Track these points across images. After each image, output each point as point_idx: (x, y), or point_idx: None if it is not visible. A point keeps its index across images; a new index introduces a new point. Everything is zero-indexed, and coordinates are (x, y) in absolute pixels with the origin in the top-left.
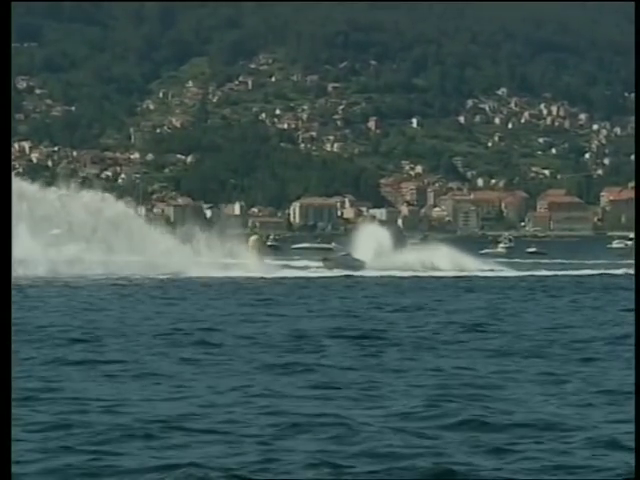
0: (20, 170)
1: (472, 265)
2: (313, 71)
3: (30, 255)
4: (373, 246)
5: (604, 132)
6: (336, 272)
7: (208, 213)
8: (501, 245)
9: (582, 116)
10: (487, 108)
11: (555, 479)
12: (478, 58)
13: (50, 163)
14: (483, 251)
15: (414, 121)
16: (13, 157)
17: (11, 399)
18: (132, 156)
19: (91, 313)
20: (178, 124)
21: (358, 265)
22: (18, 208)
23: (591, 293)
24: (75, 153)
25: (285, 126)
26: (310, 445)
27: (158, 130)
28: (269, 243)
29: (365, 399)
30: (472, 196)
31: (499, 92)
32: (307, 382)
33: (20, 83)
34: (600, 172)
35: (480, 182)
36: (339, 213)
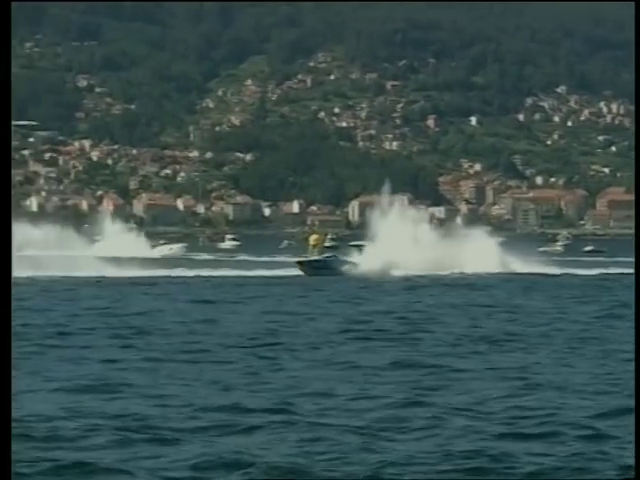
0: (80, 168)
1: (517, 264)
2: (372, 69)
3: None
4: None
5: None
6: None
7: (267, 211)
8: (559, 243)
9: None
10: (546, 106)
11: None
12: (537, 56)
13: (110, 161)
14: (541, 249)
15: (473, 119)
16: (73, 155)
17: (11, 399)
18: (191, 154)
19: None
20: (237, 122)
21: (343, 268)
22: None
23: None
24: (135, 151)
25: (344, 124)
26: None
27: (217, 128)
28: (327, 244)
29: None
30: (531, 194)
31: (558, 90)
32: None
33: (80, 81)
34: None
35: (539, 180)
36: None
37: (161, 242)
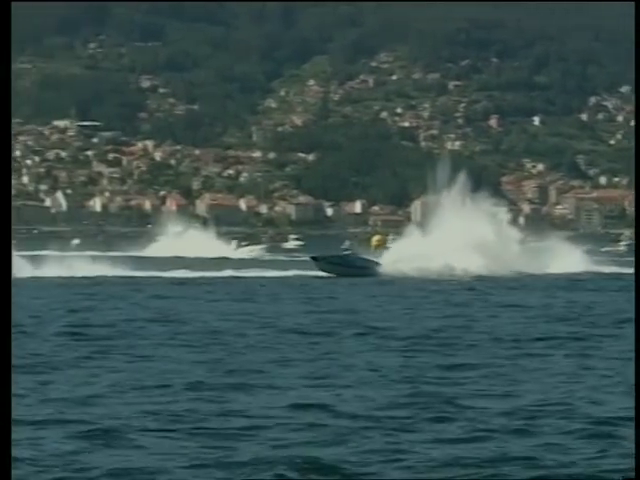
0: (143, 169)
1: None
2: (434, 69)
3: None
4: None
5: None
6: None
7: (329, 211)
8: (622, 243)
9: None
10: (610, 105)
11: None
12: (601, 55)
13: (173, 162)
14: (604, 249)
15: (536, 119)
16: (136, 155)
17: (11, 399)
18: (254, 155)
19: None
20: (299, 122)
21: (367, 268)
22: None
23: None
24: (197, 152)
25: (406, 124)
26: None
27: (280, 128)
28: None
29: None
30: (594, 194)
31: (622, 90)
32: None
33: (144, 82)
34: None
35: (603, 180)
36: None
37: (243, 243)
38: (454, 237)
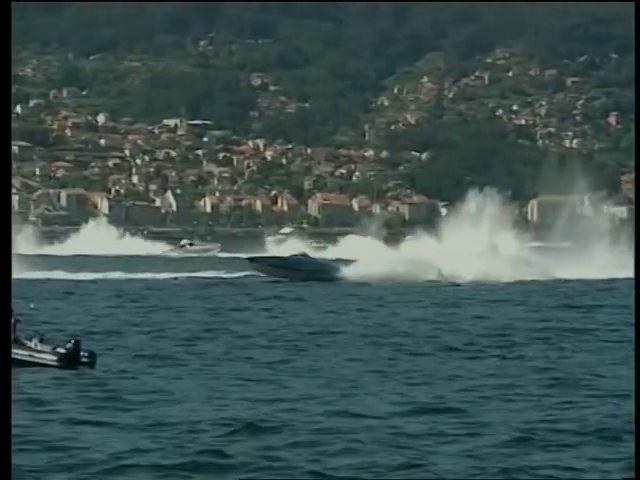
0: (254, 168)
1: None
2: (551, 65)
3: None
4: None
5: None
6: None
7: (444, 211)
8: None
9: None
10: None
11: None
12: None
13: (284, 161)
14: None
15: None
16: (247, 155)
17: (11, 399)
18: (366, 153)
19: None
20: (413, 120)
21: (319, 272)
22: None
23: None
24: (309, 151)
25: (522, 122)
26: None
27: (392, 127)
28: None
29: None
30: None
31: None
32: None
33: (255, 80)
34: None
35: None
36: (578, 211)
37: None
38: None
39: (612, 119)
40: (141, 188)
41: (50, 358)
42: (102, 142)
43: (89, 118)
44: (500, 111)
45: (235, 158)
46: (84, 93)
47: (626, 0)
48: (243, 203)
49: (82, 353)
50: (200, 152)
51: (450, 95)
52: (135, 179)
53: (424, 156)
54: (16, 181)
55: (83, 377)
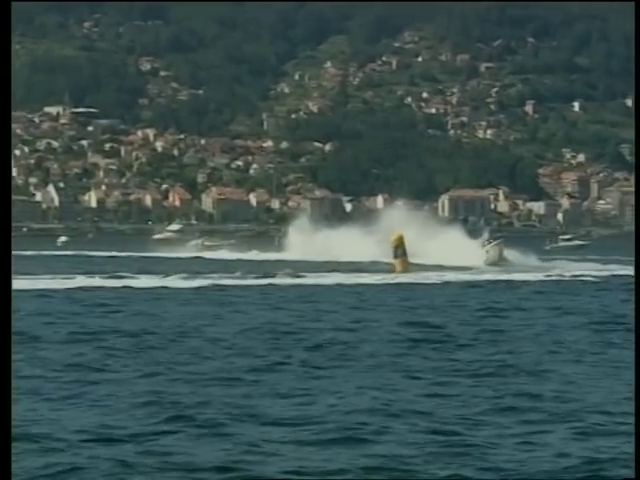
0: (144, 160)
1: None
2: (464, 50)
3: None
4: None
5: None
6: None
7: (348, 207)
8: None
9: None
10: None
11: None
12: None
13: (176, 152)
14: None
15: (576, 105)
16: (136, 146)
17: (11, 400)
18: (265, 144)
19: None
20: (315, 109)
21: None
22: None
23: None
24: (203, 141)
25: (433, 111)
26: None
27: (293, 116)
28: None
29: None
30: None
31: None
32: None
33: (144, 65)
34: None
35: None
36: (492, 206)
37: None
38: None
39: (529, 108)
40: (20, 181)
41: None
42: None
43: None
44: (409, 99)
45: (123, 149)
46: None
47: (625, 0)
48: (132, 198)
49: None
50: (85, 142)
51: (355, 82)
52: (14, 172)
53: (327, 147)
54: None
55: None
